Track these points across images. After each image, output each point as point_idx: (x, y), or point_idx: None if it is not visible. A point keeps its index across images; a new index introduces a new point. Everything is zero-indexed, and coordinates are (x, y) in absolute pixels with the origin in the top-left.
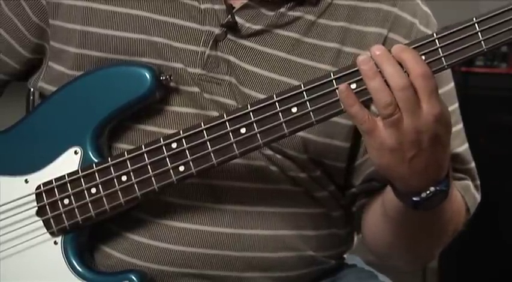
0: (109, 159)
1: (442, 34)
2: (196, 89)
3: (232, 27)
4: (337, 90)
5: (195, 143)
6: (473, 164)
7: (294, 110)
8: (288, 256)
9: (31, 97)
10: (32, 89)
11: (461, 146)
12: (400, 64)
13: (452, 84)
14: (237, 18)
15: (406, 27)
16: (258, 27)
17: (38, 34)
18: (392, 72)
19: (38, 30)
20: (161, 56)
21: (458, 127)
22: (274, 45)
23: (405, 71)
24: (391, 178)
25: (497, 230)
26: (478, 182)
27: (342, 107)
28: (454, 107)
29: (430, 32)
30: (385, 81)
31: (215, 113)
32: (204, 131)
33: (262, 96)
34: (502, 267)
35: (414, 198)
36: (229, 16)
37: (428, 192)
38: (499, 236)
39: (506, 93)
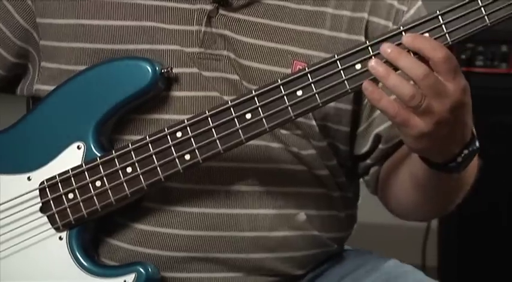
0: (113, 151)
1: (445, 10)
2: (195, 70)
3: (223, 2)
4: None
5: (200, 131)
6: None
7: (299, 93)
8: (293, 235)
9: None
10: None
11: None
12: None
13: None
14: None
15: None
16: None
17: (23, 37)
18: (409, 65)
19: (23, 32)
20: (155, 40)
21: None
22: (266, 15)
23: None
24: (429, 156)
25: (497, 230)
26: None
27: (348, 87)
28: None
29: None
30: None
31: (216, 93)
32: (209, 118)
33: (262, 66)
34: (502, 266)
35: (451, 165)
36: None
37: (463, 155)
38: (499, 236)
39: (506, 93)
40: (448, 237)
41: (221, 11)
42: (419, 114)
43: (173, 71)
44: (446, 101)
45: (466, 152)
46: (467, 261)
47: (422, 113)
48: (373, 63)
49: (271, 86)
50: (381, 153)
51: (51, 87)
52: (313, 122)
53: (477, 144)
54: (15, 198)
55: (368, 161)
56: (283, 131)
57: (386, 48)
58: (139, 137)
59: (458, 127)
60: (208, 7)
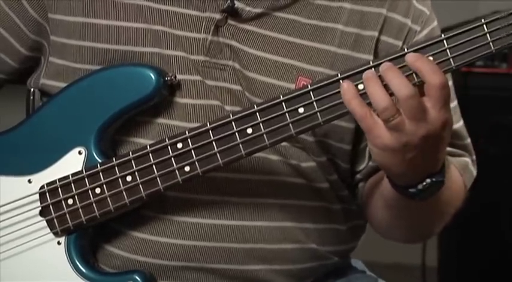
0: (113, 159)
1: (450, 34)
2: (198, 78)
3: (232, 12)
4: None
5: (201, 143)
6: (469, 140)
7: (301, 110)
8: (289, 248)
9: (31, 97)
10: (32, 89)
11: (458, 123)
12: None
13: (451, 81)
14: (237, 3)
15: (404, 6)
16: (258, 10)
17: (36, 30)
18: (397, 82)
19: (36, 26)
20: (162, 44)
21: (453, 104)
22: (275, 28)
23: (417, 83)
24: (388, 173)
25: (497, 230)
26: (474, 157)
27: None
28: (453, 104)
29: (425, 9)
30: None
31: (217, 103)
32: (210, 131)
33: (266, 79)
34: (502, 267)
35: (411, 190)
36: (229, 1)
37: (424, 183)
38: (499, 236)
39: (506, 93)
40: (448, 237)
41: (230, 21)
42: (389, 127)
43: (177, 78)
44: (422, 126)
45: (428, 181)
46: (467, 261)
47: (391, 128)
48: (370, 70)
49: (273, 102)
50: (368, 170)
51: (56, 83)
52: (311, 138)
53: (444, 178)
54: (16, 200)
55: (358, 176)
56: (283, 143)
57: (385, 67)
58: (141, 140)
59: (427, 157)
60: (217, 16)
